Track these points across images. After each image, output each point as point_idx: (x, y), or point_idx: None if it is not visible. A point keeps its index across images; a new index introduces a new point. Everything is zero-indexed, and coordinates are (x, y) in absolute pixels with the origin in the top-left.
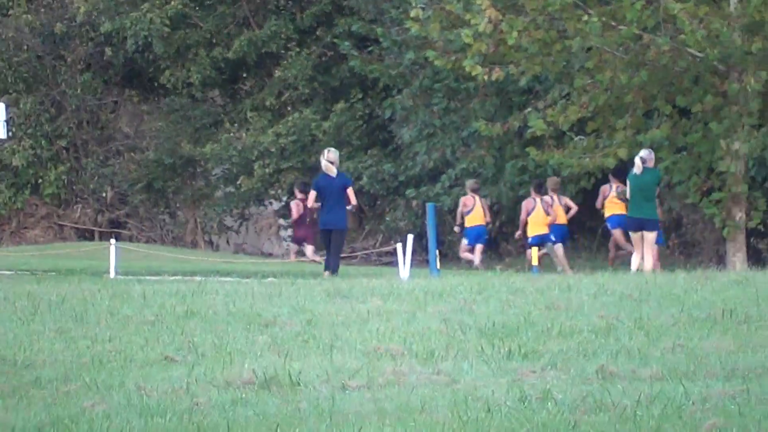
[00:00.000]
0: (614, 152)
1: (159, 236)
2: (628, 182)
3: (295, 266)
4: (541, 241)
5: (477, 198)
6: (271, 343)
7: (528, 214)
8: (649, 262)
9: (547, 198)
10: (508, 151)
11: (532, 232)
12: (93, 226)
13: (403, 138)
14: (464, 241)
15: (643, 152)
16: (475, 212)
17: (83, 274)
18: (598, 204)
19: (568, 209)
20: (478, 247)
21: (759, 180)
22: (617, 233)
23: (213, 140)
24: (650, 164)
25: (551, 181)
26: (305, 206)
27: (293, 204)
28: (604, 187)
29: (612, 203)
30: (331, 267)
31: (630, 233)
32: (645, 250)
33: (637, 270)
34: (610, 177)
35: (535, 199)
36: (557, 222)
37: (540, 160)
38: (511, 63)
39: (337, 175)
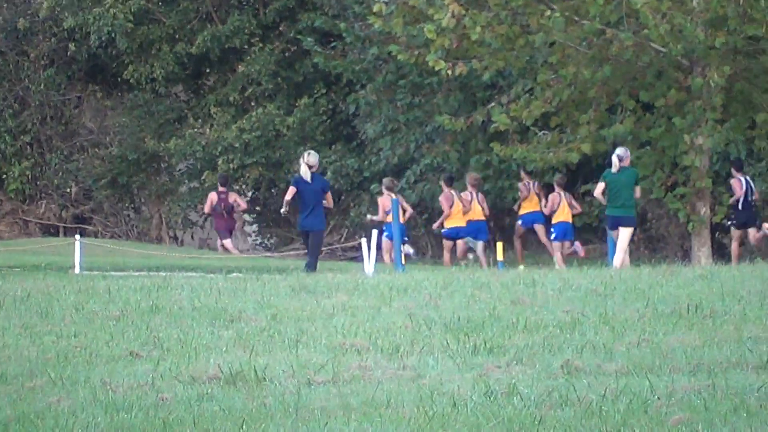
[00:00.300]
0: (578, 147)
1: (124, 232)
2: (604, 180)
3: (260, 261)
4: (456, 235)
5: (393, 196)
6: (237, 339)
7: (450, 207)
8: (619, 259)
9: (465, 194)
10: (472, 146)
11: (449, 224)
12: (58, 221)
13: (367, 133)
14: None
15: (619, 150)
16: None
17: (48, 270)
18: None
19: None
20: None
21: (723, 175)
22: (539, 229)
23: (177, 135)
24: (626, 162)
25: (470, 177)
26: (220, 199)
27: (209, 196)
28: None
29: (528, 202)
30: (310, 266)
31: (608, 230)
32: (618, 246)
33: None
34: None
35: (452, 193)
36: (474, 218)
37: (504, 155)
38: (475, 58)
39: (315, 178)
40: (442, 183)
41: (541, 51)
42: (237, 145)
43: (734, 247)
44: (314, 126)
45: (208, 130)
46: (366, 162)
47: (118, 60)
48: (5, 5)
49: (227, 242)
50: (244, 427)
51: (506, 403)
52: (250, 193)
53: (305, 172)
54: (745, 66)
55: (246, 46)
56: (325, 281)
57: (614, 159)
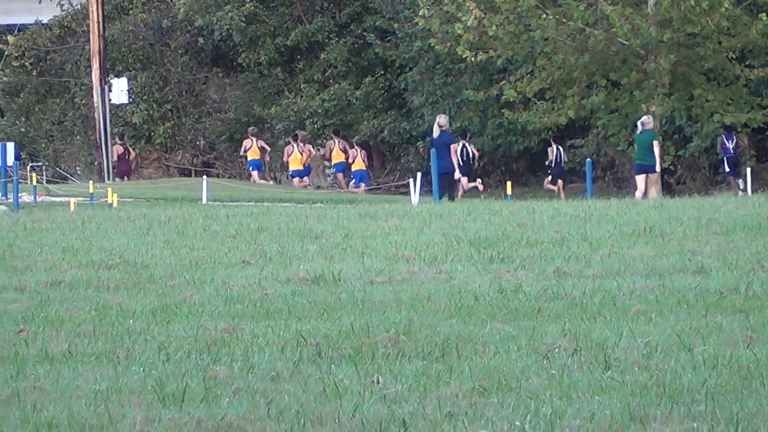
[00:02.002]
0: (565, 113)
1: (238, 173)
2: (634, 139)
3: (335, 195)
4: (299, 174)
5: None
6: (319, 251)
7: (288, 156)
8: (653, 193)
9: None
10: (489, 112)
11: (292, 167)
12: (190, 166)
13: (414, 103)
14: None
15: (643, 118)
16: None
17: (183, 201)
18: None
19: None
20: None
21: (669, 133)
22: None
23: (276, 104)
24: (648, 127)
25: (300, 134)
26: (125, 149)
27: (115, 147)
28: (352, 151)
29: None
30: (451, 197)
31: (636, 175)
32: (649, 186)
33: (642, 198)
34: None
35: (293, 146)
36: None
37: (512, 119)
38: (491, 49)
39: (443, 134)
40: (290, 139)
41: (539, 44)
42: (319, 111)
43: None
44: (375, 97)
45: (298, 100)
46: (413, 124)
47: (234, 49)
48: (153, 10)
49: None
50: (324, 314)
51: (514, 297)
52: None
53: (436, 130)
54: (686, 55)
55: (326, 40)
56: (383, 210)
57: (639, 124)
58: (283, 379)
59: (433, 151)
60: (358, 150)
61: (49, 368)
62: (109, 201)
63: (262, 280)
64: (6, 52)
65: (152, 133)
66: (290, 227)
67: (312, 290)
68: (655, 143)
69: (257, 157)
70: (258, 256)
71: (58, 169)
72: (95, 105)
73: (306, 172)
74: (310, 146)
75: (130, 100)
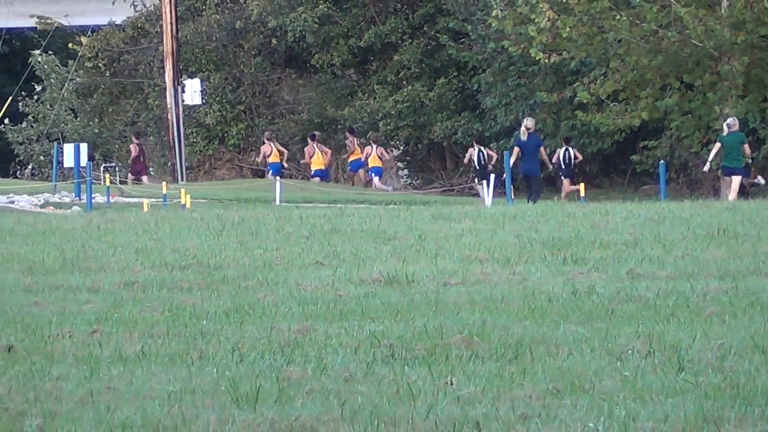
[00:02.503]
0: (638, 114)
1: (310, 175)
2: (720, 142)
3: (409, 196)
4: (321, 175)
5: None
6: (393, 252)
7: (311, 157)
8: (733, 195)
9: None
10: (562, 114)
11: (314, 167)
12: (263, 167)
13: (487, 104)
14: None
15: (729, 120)
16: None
17: (257, 202)
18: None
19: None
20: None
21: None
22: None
23: (349, 105)
24: (735, 129)
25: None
26: (141, 149)
27: (132, 146)
28: (367, 149)
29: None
30: (534, 200)
31: (723, 176)
32: (732, 187)
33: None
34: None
35: (313, 146)
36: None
37: (585, 121)
38: (564, 50)
39: (531, 137)
40: (309, 139)
41: (612, 45)
42: (393, 112)
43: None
44: (448, 99)
45: (371, 101)
46: (486, 125)
47: (307, 51)
48: (226, 11)
49: (145, 179)
50: (398, 316)
51: (587, 299)
52: (402, 147)
53: (523, 133)
54: (760, 57)
55: (399, 41)
56: (456, 211)
57: (725, 126)
58: (357, 380)
59: (506, 153)
60: (374, 147)
61: (122, 369)
62: (183, 202)
63: (335, 281)
64: (80, 53)
65: (225, 134)
66: (363, 228)
67: (385, 291)
68: (745, 145)
69: (277, 160)
70: (331, 257)
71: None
72: (168, 106)
73: (323, 174)
74: (370, 145)
75: (203, 101)
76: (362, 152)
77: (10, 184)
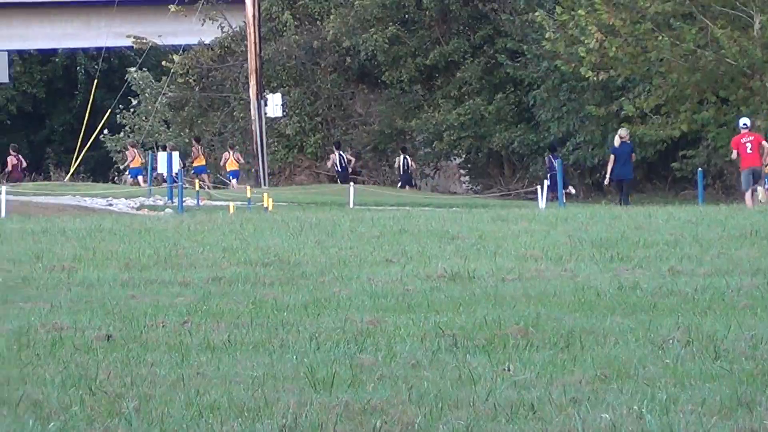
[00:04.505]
0: (678, 126)
1: (382, 180)
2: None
3: (470, 200)
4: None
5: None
6: (455, 251)
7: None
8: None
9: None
10: (609, 126)
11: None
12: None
13: (541, 118)
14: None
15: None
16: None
17: (332, 205)
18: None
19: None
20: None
21: None
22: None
23: (417, 117)
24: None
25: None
26: (18, 159)
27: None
28: (225, 154)
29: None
30: (626, 202)
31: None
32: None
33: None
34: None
35: (336, 153)
36: (232, 168)
37: (631, 132)
38: (611, 68)
39: (624, 144)
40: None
41: (654, 64)
42: (455, 124)
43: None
44: (506, 112)
45: (436, 114)
46: (540, 137)
47: (378, 68)
48: (304, 32)
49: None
50: (460, 308)
51: (632, 293)
52: (464, 155)
53: (617, 141)
54: None
55: (461, 60)
56: (513, 213)
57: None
58: (423, 366)
59: (557, 161)
60: (231, 152)
61: (210, 356)
62: (265, 205)
63: (403, 277)
64: (172, 70)
65: (304, 144)
66: (429, 229)
67: (449, 286)
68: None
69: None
70: (400, 255)
71: (218, 175)
72: (252, 118)
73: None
74: (227, 151)
75: (284, 113)
76: (204, 158)
77: (109, 189)
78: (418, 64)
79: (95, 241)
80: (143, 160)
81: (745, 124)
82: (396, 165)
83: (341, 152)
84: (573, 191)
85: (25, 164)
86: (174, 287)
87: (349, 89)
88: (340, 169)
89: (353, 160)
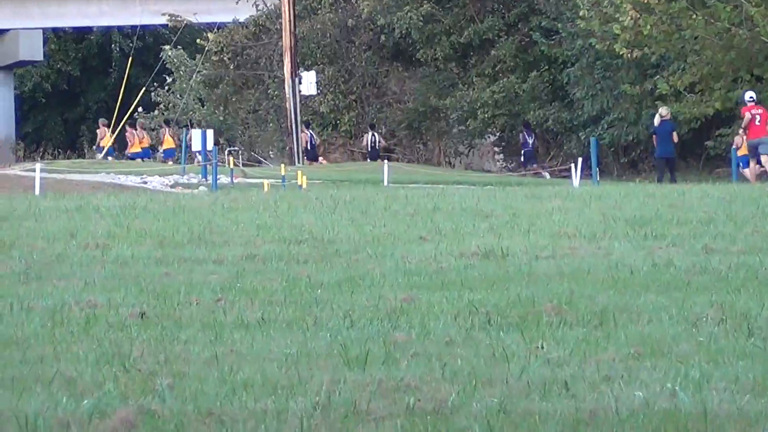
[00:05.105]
0: (712, 104)
1: (416, 158)
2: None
3: (504, 178)
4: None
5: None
6: (489, 228)
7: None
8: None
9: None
10: (643, 104)
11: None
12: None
13: (576, 96)
14: None
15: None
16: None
17: (366, 183)
18: None
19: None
20: None
21: None
22: None
23: (451, 96)
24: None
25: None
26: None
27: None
28: (162, 130)
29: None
30: (673, 179)
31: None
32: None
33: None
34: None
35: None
36: (169, 146)
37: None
38: (646, 46)
39: (664, 123)
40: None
41: (689, 42)
42: (490, 102)
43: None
44: (540, 90)
45: (471, 92)
46: (574, 115)
47: (413, 46)
48: (339, 10)
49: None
50: (494, 286)
51: (665, 271)
52: (498, 133)
53: (657, 119)
54: None
55: (496, 38)
56: (547, 191)
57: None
58: (457, 344)
59: (592, 138)
60: (167, 130)
61: (244, 333)
62: (299, 183)
63: (437, 254)
64: (206, 48)
65: (338, 122)
66: (463, 207)
67: (482, 264)
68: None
69: (172, 146)
70: (434, 233)
71: (252, 153)
72: (286, 96)
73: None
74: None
75: (318, 91)
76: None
77: (143, 167)
78: (453, 42)
79: (129, 219)
80: (149, 142)
81: (751, 97)
82: (364, 142)
83: (374, 133)
84: (547, 176)
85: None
86: (208, 265)
87: (384, 67)
88: (370, 149)
89: (383, 141)
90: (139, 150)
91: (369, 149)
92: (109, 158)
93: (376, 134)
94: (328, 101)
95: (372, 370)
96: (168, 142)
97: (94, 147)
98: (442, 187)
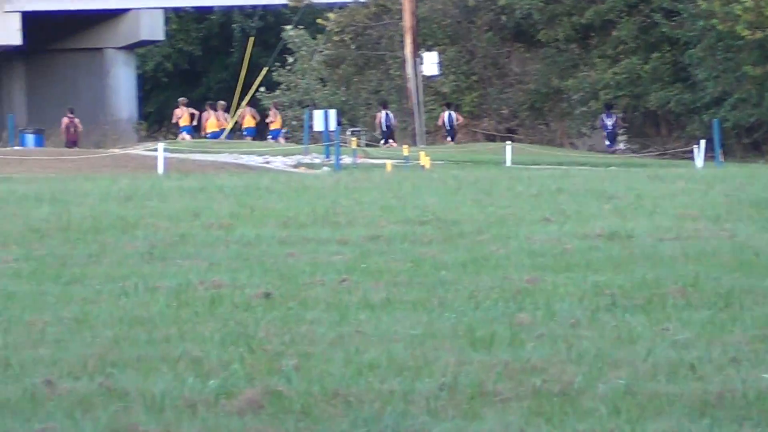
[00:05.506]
0: None
1: (538, 139)
2: None
3: (628, 160)
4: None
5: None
6: (613, 210)
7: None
8: None
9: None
10: (765, 86)
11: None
12: (495, 132)
13: (698, 77)
14: None
15: None
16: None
17: (489, 164)
18: None
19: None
20: None
21: None
22: None
23: (572, 77)
24: None
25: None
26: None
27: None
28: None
29: None
30: None
31: None
32: None
33: None
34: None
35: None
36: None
37: None
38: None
39: None
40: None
41: None
42: (611, 83)
43: None
44: (662, 71)
45: (592, 73)
46: (696, 96)
47: (534, 27)
48: None
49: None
50: (618, 268)
51: None
52: (621, 114)
53: None
54: None
55: (617, 18)
56: (670, 173)
57: None
58: (582, 325)
59: (715, 120)
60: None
61: (369, 314)
62: (422, 163)
63: (561, 236)
64: (328, 28)
65: (460, 102)
66: (587, 188)
67: (607, 246)
68: None
69: (188, 123)
70: (558, 214)
71: (375, 134)
72: (408, 76)
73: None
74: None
75: (440, 72)
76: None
77: (265, 147)
78: (574, 22)
79: (253, 199)
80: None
81: None
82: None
83: (451, 112)
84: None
85: (80, 128)
86: (332, 245)
87: (505, 48)
88: (449, 128)
89: (461, 119)
90: (216, 130)
91: (447, 128)
92: (187, 136)
93: (452, 113)
94: (450, 82)
95: (498, 352)
96: (185, 120)
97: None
98: (565, 168)
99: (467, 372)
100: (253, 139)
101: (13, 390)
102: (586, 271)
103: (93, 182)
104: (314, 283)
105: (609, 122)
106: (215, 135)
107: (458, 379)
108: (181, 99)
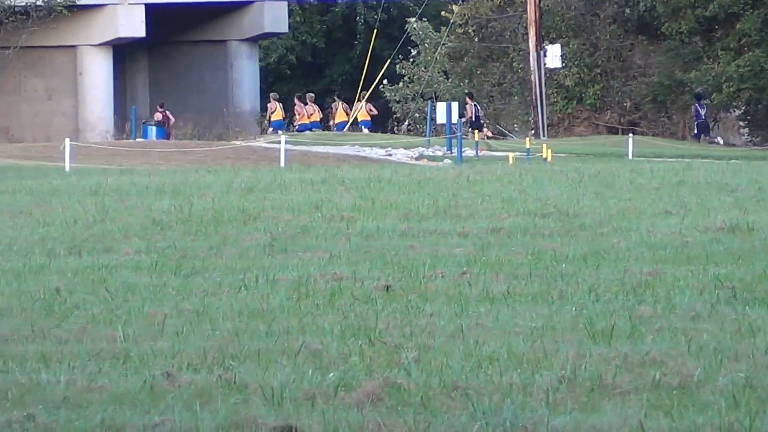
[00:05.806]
0: None
1: (660, 132)
2: None
3: (750, 152)
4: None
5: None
6: (734, 203)
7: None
8: None
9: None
10: None
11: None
12: (617, 125)
13: None
14: None
15: None
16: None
17: (611, 157)
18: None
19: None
20: None
21: None
22: None
23: (696, 69)
24: None
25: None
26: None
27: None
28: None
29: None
30: None
31: None
32: None
33: None
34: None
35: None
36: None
37: None
38: None
39: None
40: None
41: None
42: (735, 76)
43: None
44: None
45: (716, 65)
46: None
47: (658, 19)
48: None
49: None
50: (739, 261)
51: None
52: (743, 107)
53: None
54: None
55: (741, 11)
56: None
57: None
58: (702, 318)
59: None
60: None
61: (489, 307)
62: (544, 156)
63: (682, 228)
64: (451, 20)
65: (583, 95)
66: (708, 181)
67: (728, 238)
68: None
69: (280, 118)
70: (679, 206)
71: (497, 126)
72: (531, 69)
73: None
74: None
75: (563, 64)
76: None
77: (387, 139)
78: (698, 15)
79: (374, 191)
80: (285, 114)
81: None
82: (468, 114)
83: (476, 103)
84: (720, 142)
85: (173, 120)
86: (453, 238)
87: (628, 40)
88: (474, 119)
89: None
90: (307, 122)
91: (472, 120)
92: (279, 131)
93: (477, 105)
94: (573, 74)
95: (617, 344)
96: (278, 115)
97: (265, 121)
98: (686, 161)
99: (587, 365)
100: (370, 131)
101: (133, 382)
102: (707, 263)
103: (215, 175)
104: (434, 275)
105: (702, 111)
106: (312, 126)
107: (577, 371)
108: (272, 93)
